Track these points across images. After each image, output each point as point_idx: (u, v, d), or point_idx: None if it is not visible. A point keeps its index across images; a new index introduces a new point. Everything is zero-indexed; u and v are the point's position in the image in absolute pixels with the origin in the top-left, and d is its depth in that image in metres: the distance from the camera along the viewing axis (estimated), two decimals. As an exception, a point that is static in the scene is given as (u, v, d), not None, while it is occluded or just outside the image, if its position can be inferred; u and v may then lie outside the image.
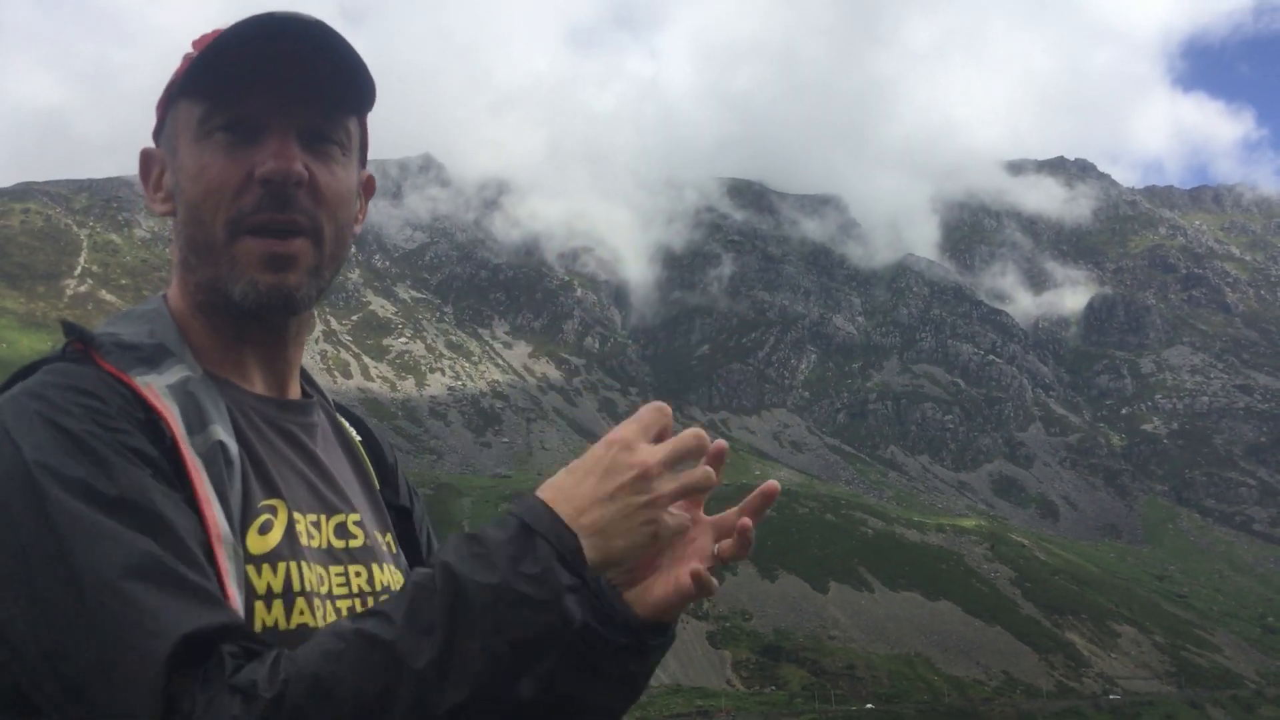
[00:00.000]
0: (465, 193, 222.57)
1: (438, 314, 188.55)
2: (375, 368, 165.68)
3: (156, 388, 1.34)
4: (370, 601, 1.49)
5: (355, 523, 1.54)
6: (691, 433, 1.24)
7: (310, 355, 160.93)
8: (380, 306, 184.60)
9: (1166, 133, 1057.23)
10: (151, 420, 1.29)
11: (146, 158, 1.55)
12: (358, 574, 1.50)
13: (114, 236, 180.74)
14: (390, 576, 1.56)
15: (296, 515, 1.44)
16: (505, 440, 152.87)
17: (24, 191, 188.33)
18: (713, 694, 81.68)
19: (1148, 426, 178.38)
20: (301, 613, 1.36)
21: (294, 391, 1.62)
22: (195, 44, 1.48)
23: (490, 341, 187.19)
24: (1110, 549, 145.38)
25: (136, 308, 1.54)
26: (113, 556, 1.14)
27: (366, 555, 1.53)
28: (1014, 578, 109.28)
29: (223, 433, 1.35)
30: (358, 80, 1.48)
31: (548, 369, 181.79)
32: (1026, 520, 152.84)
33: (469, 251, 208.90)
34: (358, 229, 1.60)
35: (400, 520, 1.74)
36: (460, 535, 1.24)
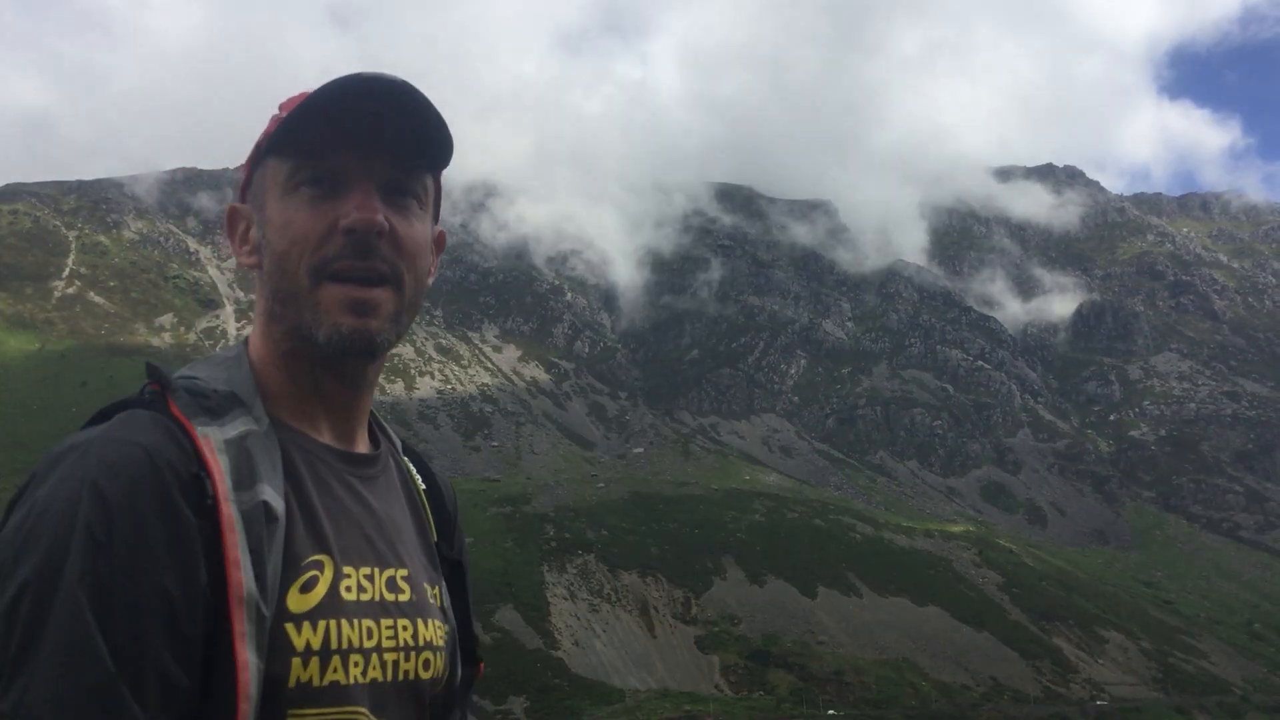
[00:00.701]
0: (453, 196, 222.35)
1: (427, 317, 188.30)
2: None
3: (214, 441, 1.39)
4: (413, 656, 1.57)
5: (404, 578, 1.60)
6: None
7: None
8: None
9: (1153, 140, 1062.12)
10: (200, 476, 1.35)
11: (233, 213, 1.64)
12: (404, 628, 1.56)
13: (103, 238, 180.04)
14: (433, 632, 1.63)
15: (348, 569, 1.50)
16: (495, 444, 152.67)
17: (12, 192, 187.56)
18: (701, 699, 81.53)
19: (1135, 433, 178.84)
20: (335, 670, 1.42)
21: (363, 440, 1.70)
22: (283, 106, 1.56)
23: (480, 345, 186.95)
24: (1098, 555, 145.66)
25: (220, 353, 1.60)
26: (69, 679, 1.19)
27: (412, 610, 1.59)
28: (1002, 583, 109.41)
29: (269, 492, 1.40)
30: (437, 138, 1.57)
31: (537, 373, 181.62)
32: (1014, 526, 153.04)
33: (459, 255, 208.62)
34: (430, 280, 1.67)
35: (453, 574, 1.84)
36: None
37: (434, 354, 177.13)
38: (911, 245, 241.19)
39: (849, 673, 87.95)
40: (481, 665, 1.88)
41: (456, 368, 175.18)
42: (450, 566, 1.83)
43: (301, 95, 1.52)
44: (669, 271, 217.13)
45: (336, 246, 1.49)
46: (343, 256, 1.49)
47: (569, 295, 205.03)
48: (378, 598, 1.53)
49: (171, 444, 1.36)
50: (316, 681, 1.40)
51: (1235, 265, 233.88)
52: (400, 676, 1.54)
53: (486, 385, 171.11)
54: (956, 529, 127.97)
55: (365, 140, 1.51)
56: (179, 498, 1.32)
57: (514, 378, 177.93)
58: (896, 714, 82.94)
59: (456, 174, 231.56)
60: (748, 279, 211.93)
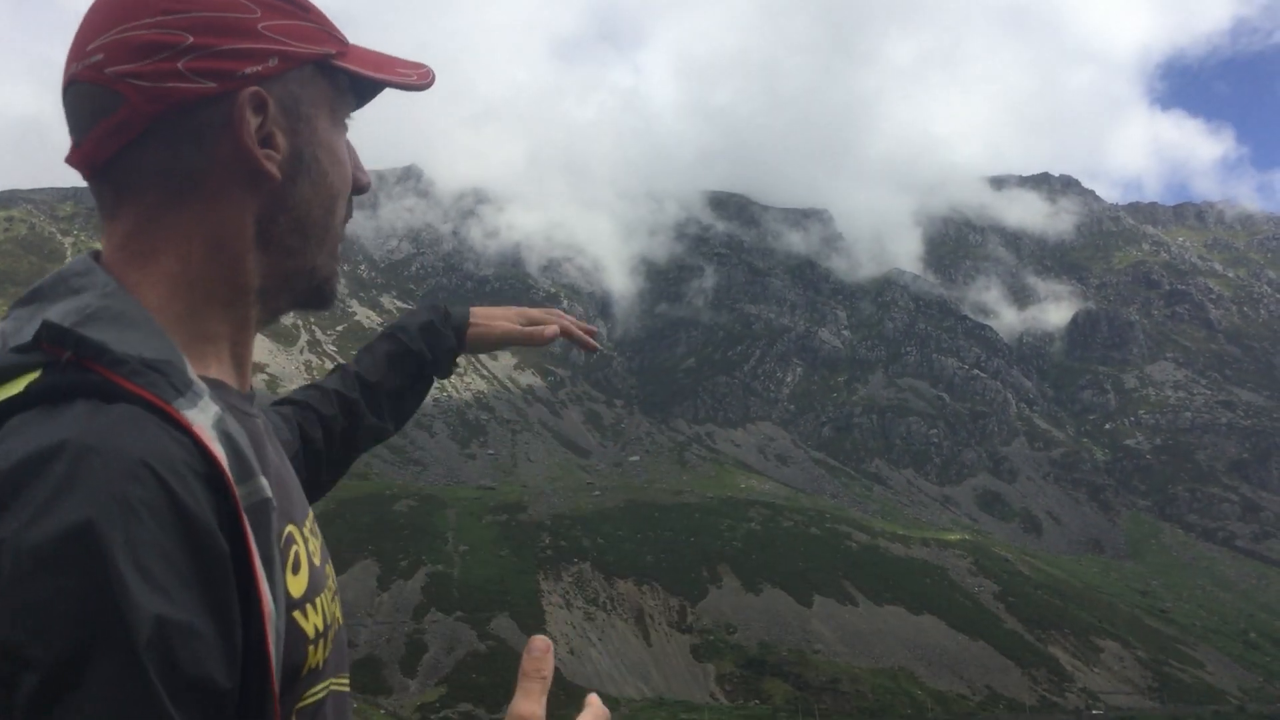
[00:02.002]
0: (445, 203, 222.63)
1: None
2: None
3: (206, 429, 1.10)
4: (336, 601, 1.39)
5: (314, 519, 1.43)
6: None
7: (295, 365, 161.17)
8: (365, 317, 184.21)
9: (1146, 151, 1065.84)
10: (211, 475, 1.07)
11: (260, 100, 1.27)
12: (330, 574, 1.41)
13: (99, 245, 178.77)
14: (333, 568, 1.46)
15: (305, 532, 1.32)
16: (490, 452, 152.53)
17: (8, 199, 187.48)
18: (696, 707, 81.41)
19: (1131, 441, 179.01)
20: (327, 646, 1.29)
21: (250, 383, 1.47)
22: (351, 45, 1.42)
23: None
24: (1093, 564, 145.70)
25: (103, 305, 1.20)
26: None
27: (327, 550, 1.44)
28: (997, 592, 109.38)
29: (265, 483, 1.16)
30: None
31: (533, 380, 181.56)
32: (1010, 534, 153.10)
33: (454, 263, 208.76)
34: None
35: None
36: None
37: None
38: (906, 253, 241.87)
39: (845, 681, 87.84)
40: None
41: (452, 375, 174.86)
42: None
43: (381, 56, 1.42)
44: (663, 279, 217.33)
45: (346, 201, 1.42)
46: (348, 215, 1.44)
47: (565, 303, 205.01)
48: (320, 550, 1.36)
49: (175, 446, 1.05)
50: (320, 662, 1.27)
51: (1230, 274, 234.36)
52: (336, 629, 1.36)
53: (482, 392, 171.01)
54: (952, 537, 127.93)
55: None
56: (205, 510, 1.03)
57: (510, 385, 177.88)
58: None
59: (452, 182, 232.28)
60: (743, 287, 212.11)
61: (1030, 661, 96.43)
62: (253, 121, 1.27)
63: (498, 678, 78.91)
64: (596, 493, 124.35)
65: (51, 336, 1.10)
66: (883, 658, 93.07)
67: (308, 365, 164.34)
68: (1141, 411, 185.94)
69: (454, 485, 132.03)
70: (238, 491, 1.09)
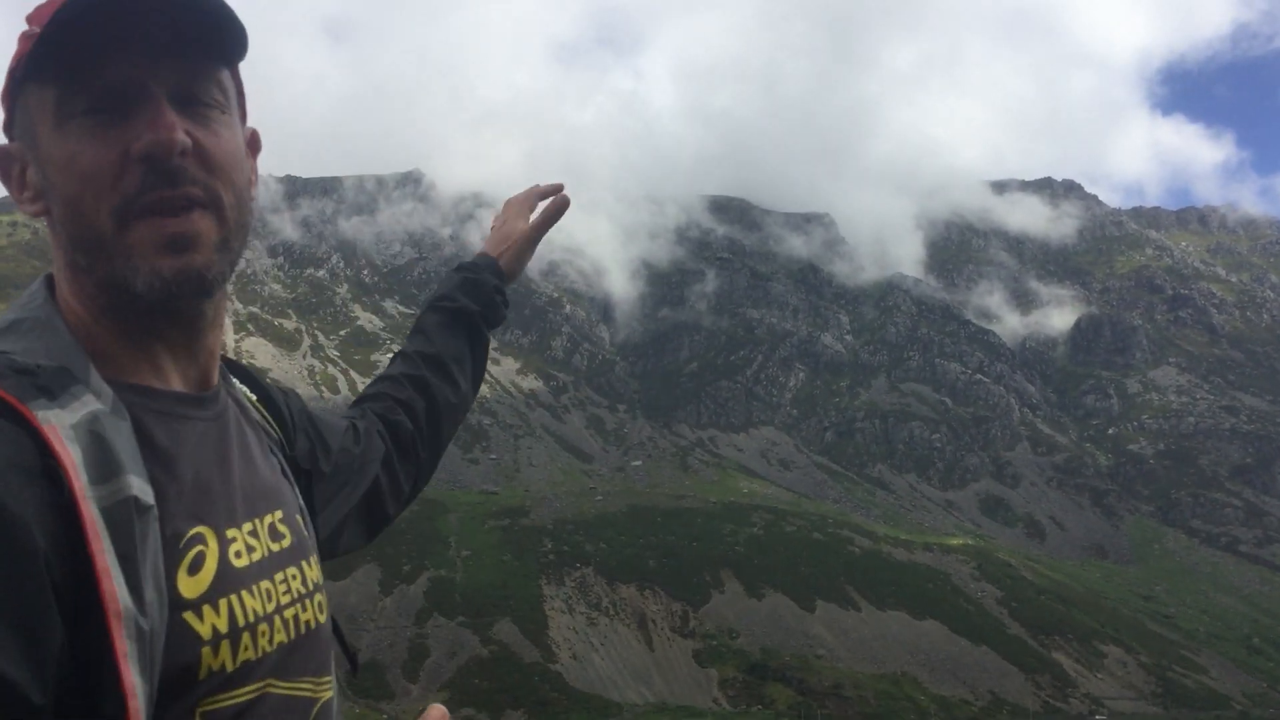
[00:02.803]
0: (446, 208, 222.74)
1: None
2: (363, 382, 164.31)
3: (59, 428, 1.14)
4: (309, 604, 1.41)
5: (280, 520, 1.43)
6: None
7: (297, 369, 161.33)
8: (368, 321, 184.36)
9: (1146, 156, 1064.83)
10: (50, 469, 1.11)
11: (4, 155, 1.35)
12: (294, 577, 1.40)
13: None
14: (316, 570, 1.48)
15: (231, 532, 1.32)
16: (493, 457, 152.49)
17: (10, 204, 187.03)
18: (699, 713, 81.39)
19: (1134, 446, 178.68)
20: (246, 648, 1.26)
21: (214, 380, 1.47)
22: (31, 19, 1.28)
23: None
24: (1096, 569, 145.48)
25: (17, 315, 1.33)
26: None
27: (296, 554, 1.43)
28: (1001, 597, 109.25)
29: (136, 482, 1.17)
30: (222, 25, 1.29)
31: (535, 385, 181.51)
32: (1013, 540, 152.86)
33: (454, 266, 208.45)
34: (254, 191, 1.44)
35: (306, 483, 1.63)
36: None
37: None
38: (908, 258, 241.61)
39: (848, 686, 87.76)
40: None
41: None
42: (306, 478, 1.64)
43: (50, 4, 1.25)
44: (665, 284, 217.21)
45: (136, 179, 1.24)
46: (146, 189, 1.24)
47: (568, 308, 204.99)
48: (265, 553, 1.36)
49: (9, 437, 1.11)
50: (230, 666, 1.24)
51: (1233, 279, 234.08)
52: (302, 630, 1.38)
53: (485, 397, 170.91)
54: (955, 542, 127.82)
55: (138, 46, 1.24)
56: (21, 504, 1.06)
57: (512, 390, 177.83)
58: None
59: (453, 186, 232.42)
60: (745, 291, 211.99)
61: (1033, 667, 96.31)
62: (12, 171, 1.33)
63: (500, 682, 78.90)
64: (599, 497, 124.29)
65: None
66: (885, 663, 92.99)
67: (310, 370, 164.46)
68: (1145, 416, 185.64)
69: (456, 490, 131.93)
70: (84, 489, 1.10)
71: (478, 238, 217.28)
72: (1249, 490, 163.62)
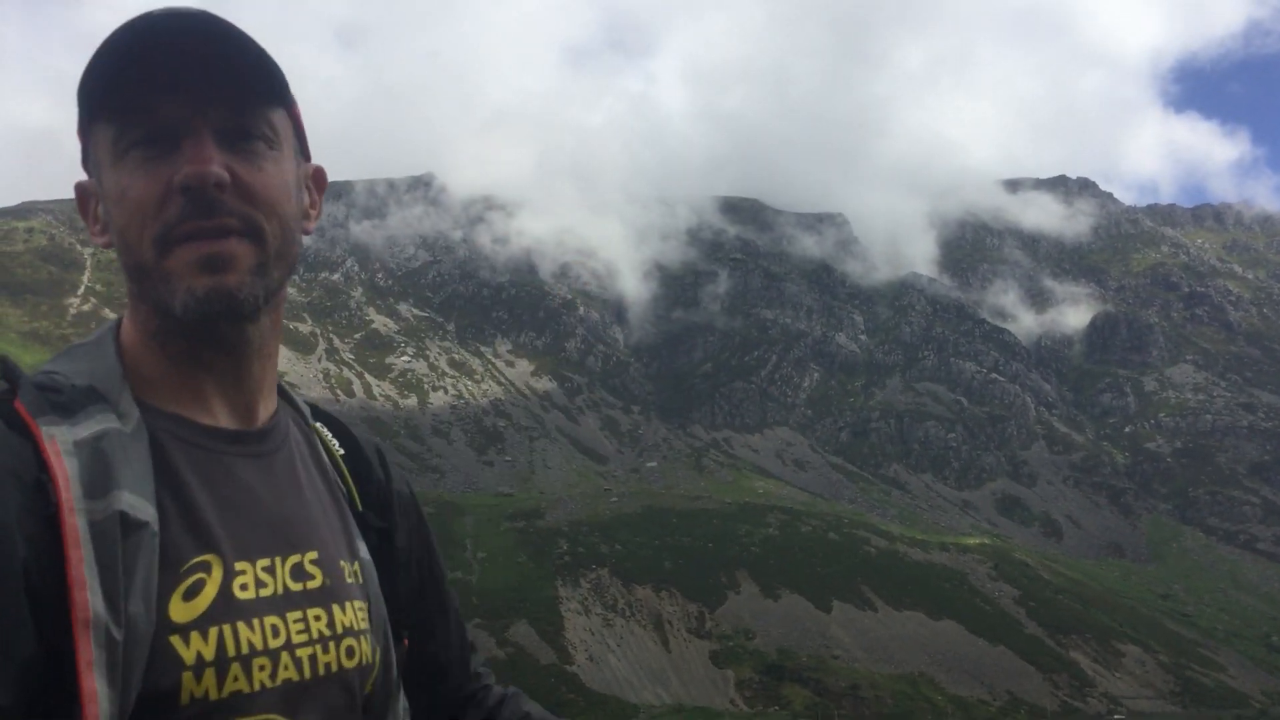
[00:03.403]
0: (457, 210, 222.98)
1: (440, 332, 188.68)
2: (378, 386, 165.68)
3: (60, 442, 1.24)
4: (333, 646, 1.43)
5: (313, 561, 1.47)
6: None
7: (312, 373, 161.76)
8: (383, 324, 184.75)
9: (1160, 154, 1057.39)
10: (40, 482, 1.20)
11: (82, 191, 1.48)
12: (317, 618, 1.43)
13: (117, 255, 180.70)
14: (352, 616, 1.49)
15: (242, 565, 1.37)
16: (508, 459, 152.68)
17: (27, 210, 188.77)
18: (716, 714, 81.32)
19: (1151, 445, 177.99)
20: (236, 679, 1.29)
21: (264, 414, 1.53)
22: (93, 59, 1.37)
23: (492, 359, 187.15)
24: (1114, 567, 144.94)
25: (83, 341, 1.46)
26: None
27: (326, 596, 1.46)
28: (1018, 597, 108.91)
29: (129, 499, 1.24)
30: (263, 68, 1.40)
31: (550, 386, 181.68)
32: (1030, 539, 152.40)
33: (470, 270, 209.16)
34: (310, 224, 1.55)
35: (382, 544, 1.67)
36: None
37: (447, 368, 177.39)
38: (921, 257, 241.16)
39: (865, 687, 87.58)
40: (406, 640, 1.69)
41: (469, 382, 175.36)
42: (379, 536, 1.66)
43: (109, 46, 1.35)
44: (677, 285, 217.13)
45: (176, 208, 1.34)
46: (185, 218, 1.35)
47: (582, 310, 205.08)
48: (281, 590, 1.40)
49: (11, 446, 1.21)
50: (214, 694, 1.27)
51: (1250, 276, 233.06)
52: (320, 671, 1.41)
53: (499, 399, 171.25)
54: (972, 542, 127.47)
55: (188, 87, 1.35)
56: (5, 510, 1.16)
57: (527, 391, 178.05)
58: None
59: (464, 189, 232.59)
60: (759, 292, 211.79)
61: (1051, 666, 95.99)
62: (90, 205, 1.48)
63: (516, 684, 77.19)
64: (614, 499, 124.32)
65: (3, 370, 1.33)
66: (902, 663, 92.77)
67: (326, 374, 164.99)
68: (1162, 414, 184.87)
69: (471, 492, 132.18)
70: (74, 501, 1.19)
71: (488, 239, 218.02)
72: (1267, 488, 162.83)
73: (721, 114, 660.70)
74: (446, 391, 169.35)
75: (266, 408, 1.53)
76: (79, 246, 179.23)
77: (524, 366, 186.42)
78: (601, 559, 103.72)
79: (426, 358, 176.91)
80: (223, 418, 1.46)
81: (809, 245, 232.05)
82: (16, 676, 1.10)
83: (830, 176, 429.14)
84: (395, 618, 1.64)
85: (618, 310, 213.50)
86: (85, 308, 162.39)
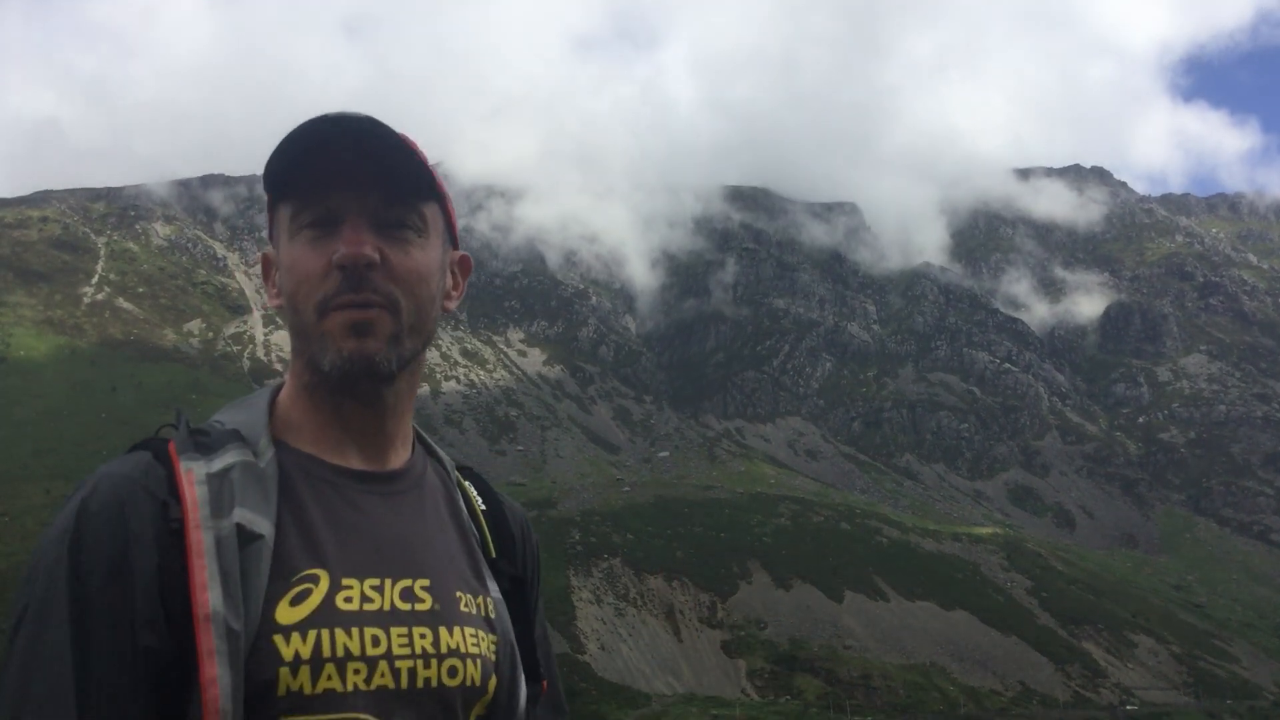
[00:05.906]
0: (462, 198, 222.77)
1: (452, 320, 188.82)
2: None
3: (196, 474, 1.53)
4: (434, 663, 1.62)
5: (424, 587, 1.68)
6: None
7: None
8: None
9: (1169, 143, 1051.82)
10: (166, 504, 1.50)
11: (266, 260, 1.78)
12: (422, 636, 1.62)
13: (132, 245, 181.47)
14: (461, 639, 1.67)
15: (349, 581, 1.59)
16: (520, 448, 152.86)
17: (41, 199, 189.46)
18: (727, 703, 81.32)
19: (1165, 435, 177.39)
20: (329, 678, 1.51)
21: (396, 463, 1.80)
22: (276, 151, 1.67)
23: (504, 349, 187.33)
24: (1127, 558, 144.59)
25: (249, 396, 1.77)
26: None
27: (434, 619, 1.65)
28: (1030, 587, 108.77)
29: (247, 514, 1.52)
30: (414, 169, 1.69)
31: (562, 376, 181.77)
32: (1043, 529, 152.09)
33: (481, 260, 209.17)
34: (450, 303, 1.84)
35: (515, 589, 1.91)
36: None
37: (459, 358, 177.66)
38: (933, 246, 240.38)
39: (876, 677, 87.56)
40: (545, 683, 1.93)
41: (482, 371, 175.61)
42: (511, 582, 1.90)
43: (293, 141, 1.65)
44: (687, 274, 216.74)
45: (334, 282, 1.62)
46: (341, 291, 1.61)
47: (594, 299, 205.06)
48: (387, 607, 1.61)
49: (144, 475, 1.51)
50: (308, 689, 1.48)
51: (1264, 265, 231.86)
52: (419, 684, 1.60)
53: (511, 389, 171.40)
54: (984, 532, 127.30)
55: (351, 180, 1.64)
56: (136, 520, 1.46)
57: (539, 381, 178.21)
58: (924, 719, 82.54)
59: (466, 174, 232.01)
60: (771, 281, 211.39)
61: (1063, 657, 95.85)
62: (271, 272, 1.78)
63: (529, 673, 78.94)
64: (626, 489, 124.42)
65: (176, 419, 1.65)
66: (914, 653, 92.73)
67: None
68: (1175, 404, 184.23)
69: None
70: (201, 520, 1.49)
71: (487, 227, 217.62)
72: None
73: (730, 102, 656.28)
74: (459, 381, 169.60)
75: (398, 457, 1.81)
76: (93, 235, 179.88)
77: (536, 356, 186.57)
78: (613, 548, 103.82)
79: (438, 347, 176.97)
80: (355, 461, 1.73)
81: (819, 234, 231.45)
82: (143, 671, 1.42)
83: (840, 165, 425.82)
84: (528, 659, 1.88)
85: (627, 299, 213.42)
86: (100, 296, 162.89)
